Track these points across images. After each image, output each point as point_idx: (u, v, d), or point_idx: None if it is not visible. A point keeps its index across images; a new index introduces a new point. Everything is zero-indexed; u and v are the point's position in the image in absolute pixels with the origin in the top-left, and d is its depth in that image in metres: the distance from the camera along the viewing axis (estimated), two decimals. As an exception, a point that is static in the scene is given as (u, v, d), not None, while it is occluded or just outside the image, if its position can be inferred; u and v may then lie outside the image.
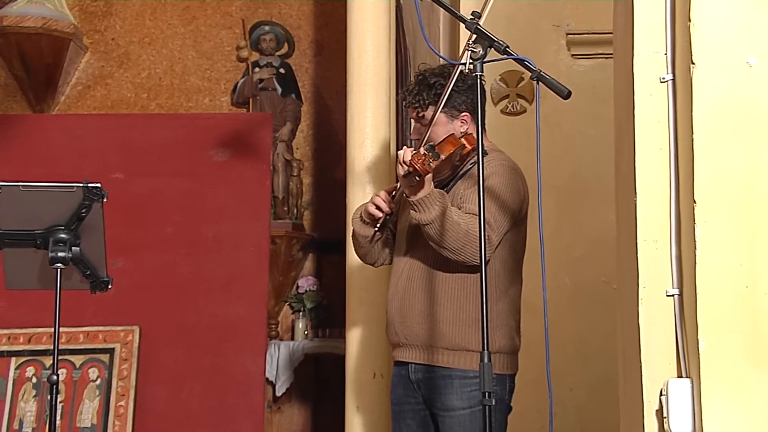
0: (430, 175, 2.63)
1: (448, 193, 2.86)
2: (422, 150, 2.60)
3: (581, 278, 4.33)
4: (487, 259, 2.29)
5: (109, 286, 2.83)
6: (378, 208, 2.88)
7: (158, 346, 4.40)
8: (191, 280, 4.61)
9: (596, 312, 4.16)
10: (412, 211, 2.70)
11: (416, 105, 2.91)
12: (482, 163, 2.27)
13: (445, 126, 2.87)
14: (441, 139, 2.77)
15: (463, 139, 2.82)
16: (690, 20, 2.17)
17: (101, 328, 4.40)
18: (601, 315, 4.00)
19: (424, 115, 2.90)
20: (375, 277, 3.87)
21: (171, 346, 4.44)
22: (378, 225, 2.93)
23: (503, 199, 2.78)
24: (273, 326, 6.30)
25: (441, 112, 2.86)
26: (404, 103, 3.00)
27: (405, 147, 2.69)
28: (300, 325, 6.31)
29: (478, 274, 2.41)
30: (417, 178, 2.60)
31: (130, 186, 4.69)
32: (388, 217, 2.91)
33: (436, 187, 2.77)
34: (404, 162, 2.60)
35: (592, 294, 4.25)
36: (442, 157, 2.68)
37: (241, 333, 4.53)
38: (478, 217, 2.61)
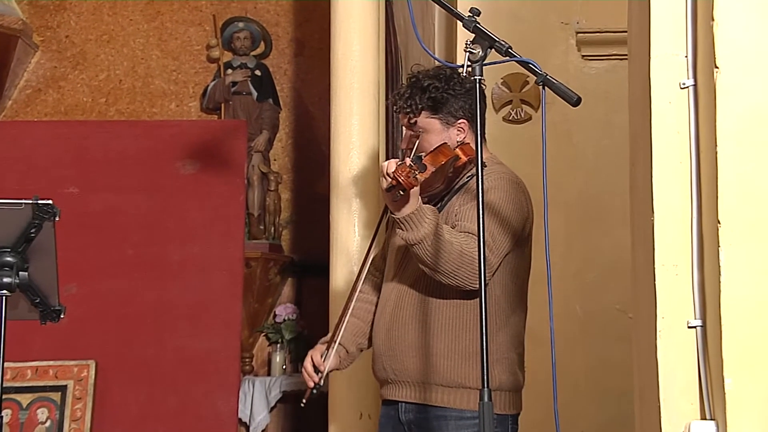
0: (416, 189, 2.63)
1: (442, 209, 2.87)
2: (408, 161, 2.61)
3: (593, 306, 4.34)
4: (485, 283, 2.29)
5: (62, 316, 2.82)
6: (304, 380, 3.03)
7: (117, 384, 4.38)
8: (154, 308, 4.60)
9: (610, 344, 4.16)
10: (398, 229, 2.70)
11: (408, 110, 2.93)
12: (481, 176, 2.28)
13: (439, 134, 2.88)
14: (432, 149, 2.78)
15: (457, 150, 2.83)
16: (713, 19, 2.18)
17: (52, 363, 4.38)
18: (616, 348, 4.01)
19: (416, 122, 2.92)
20: (362, 305, 3.86)
21: (131, 383, 4.42)
22: (303, 402, 3.03)
23: (504, 217, 2.79)
24: (247, 360, 6.28)
25: (435, 118, 2.87)
26: (395, 108, 3.01)
27: (392, 159, 2.69)
28: (277, 359, 6.29)
29: (476, 301, 2.41)
30: (401, 193, 2.61)
31: (86, 202, 4.68)
32: (314, 391, 2.99)
33: (428, 202, 2.77)
34: (387, 174, 2.61)
35: (605, 324, 4.25)
36: (430, 168, 2.68)
37: (211, 368, 4.51)
38: (474, 236, 2.64)
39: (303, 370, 3.02)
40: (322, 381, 2.97)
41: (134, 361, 4.46)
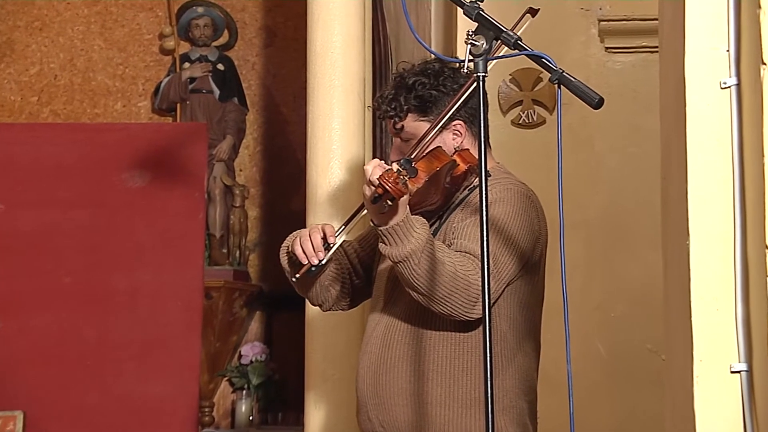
0: (405, 197, 2.63)
1: (439, 229, 2.87)
2: (396, 166, 2.61)
3: (619, 346, 4.34)
4: (481, 314, 2.29)
5: (-16, 358, 2.82)
6: (306, 251, 2.84)
7: (50, 438, 4.36)
8: (96, 347, 4.59)
9: (639, 391, 4.17)
10: (381, 244, 2.70)
11: (392, 113, 2.93)
12: (485, 186, 2.28)
13: (431, 140, 2.89)
14: (424, 153, 2.79)
15: (455, 155, 2.84)
16: (760, 7, 2.19)
17: (-28, 413, 4.36)
18: (646, 395, 4.02)
19: (402, 126, 2.92)
20: (344, 344, 3.86)
21: (67, 438, 4.41)
22: (296, 275, 2.90)
23: (509, 235, 2.79)
24: (207, 410, 6.28)
25: (424, 120, 2.88)
26: (378, 114, 3.01)
27: (375, 160, 2.68)
28: (243, 408, 6.29)
29: (478, 338, 2.41)
30: (389, 203, 2.61)
31: (14, 220, 4.68)
32: (313, 269, 2.86)
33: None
34: (371, 182, 2.61)
35: (633, 367, 4.26)
36: (423, 176, 2.68)
37: (164, 419, 4.51)
38: (472, 257, 2.65)
39: (305, 241, 2.85)
40: (324, 260, 2.86)
41: (71, 412, 4.45)
